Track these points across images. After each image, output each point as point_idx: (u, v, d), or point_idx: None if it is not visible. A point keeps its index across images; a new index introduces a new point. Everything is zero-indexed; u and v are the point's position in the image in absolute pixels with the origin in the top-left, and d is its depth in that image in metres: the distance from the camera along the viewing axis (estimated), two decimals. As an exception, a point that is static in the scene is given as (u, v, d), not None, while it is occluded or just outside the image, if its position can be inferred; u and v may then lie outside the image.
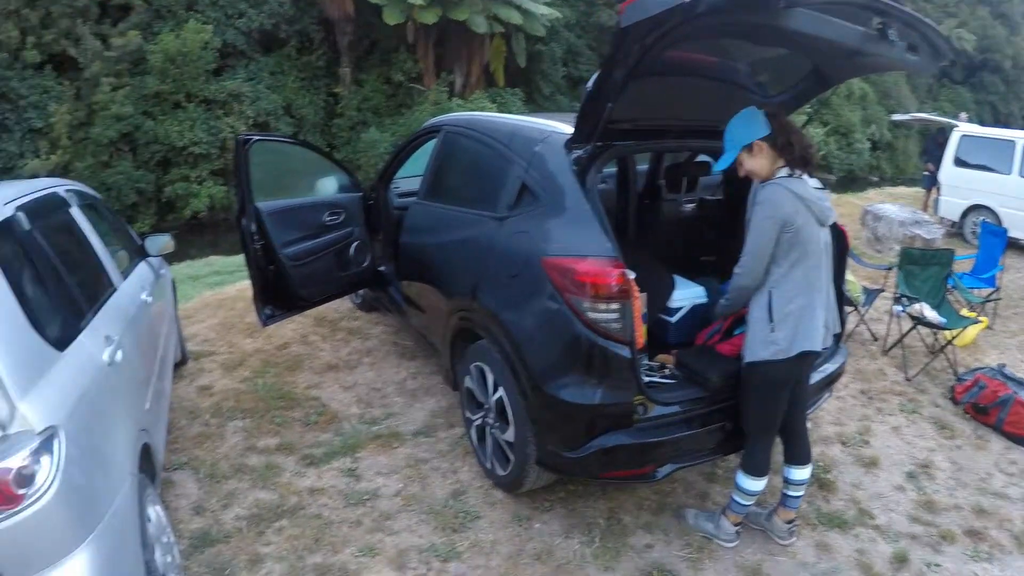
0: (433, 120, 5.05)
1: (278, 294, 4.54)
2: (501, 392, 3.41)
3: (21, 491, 1.98)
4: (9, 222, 2.62)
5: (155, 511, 2.84)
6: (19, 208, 2.77)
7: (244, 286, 6.85)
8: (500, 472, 3.61)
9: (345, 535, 3.41)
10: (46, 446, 2.07)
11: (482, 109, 20.31)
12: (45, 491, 2.02)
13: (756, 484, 3.18)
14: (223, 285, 7.75)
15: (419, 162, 4.91)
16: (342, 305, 6.19)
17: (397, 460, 4.00)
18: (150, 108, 20.31)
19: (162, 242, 4.61)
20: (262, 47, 23.16)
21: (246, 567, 3.20)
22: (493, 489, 3.72)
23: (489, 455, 3.68)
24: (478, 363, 3.64)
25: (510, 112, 13.96)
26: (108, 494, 2.35)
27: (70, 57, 19.74)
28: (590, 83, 2.93)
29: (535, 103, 25.50)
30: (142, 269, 4.27)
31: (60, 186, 3.71)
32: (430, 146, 4.71)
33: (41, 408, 2.14)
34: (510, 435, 3.39)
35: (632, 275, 2.95)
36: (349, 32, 23.18)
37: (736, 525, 3.35)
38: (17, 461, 1.99)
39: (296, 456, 4.07)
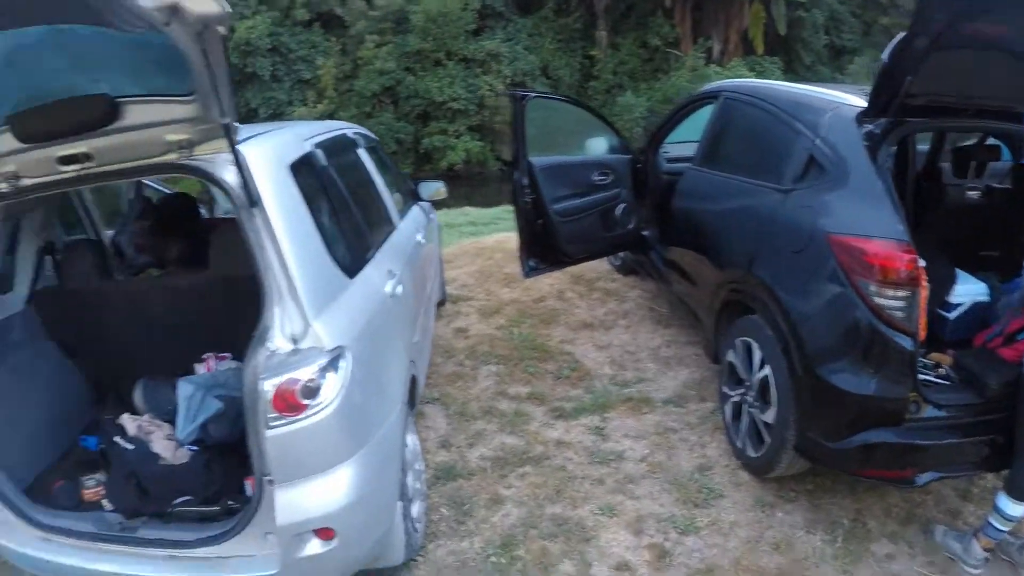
0: (710, 85, 4.92)
1: (543, 248, 4.62)
2: (767, 370, 3.24)
3: (306, 402, 2.14)
4: (309, 157, 2.83)
5: (411, 439, 3.00)
6: (316, 145, 2.98)
7: (503, 237, 7.09)
8: (751, 453, 3.44)
9: (587, 491, 3.40)
10: (333, 364, 2.21)
11: (741, 77, 19.37)
12: (327, 405, 2.17)
13: (1018, 509, 2.82)
14: (479, 236, 8.07)
15: (690, 128, 4.79)
16: (600, 266, 6.18)
17: (645, 426, 3.93)
18: (411, 64, 21.82)
19: (435, 188, 4.87)
20: (520, 9, 23.80)
21: (485, 505, 3.30)
22: (740, 470, 3.55)
23: (742, 434, 3.53)
24: (745, 338, 3.48)
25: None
26: (380, 417, 2.50)
27: (336, 16, 21.97)
28: (886, 53, 2.80)
29: (795, 73, 23.81)
30: (415, 212, 4.52)
31: (348, 128, 3.98)
32: (704, 112, 4.58)
33: (332, 329, 2.29)
34: (770, 416, 3.23)
35: (923, 263, 2.74)
36: (606, -6, 23.00)
37: (986, 551, 2.99)
38: (306, 374, 2.15)
39: (546, 407, 4.14)
